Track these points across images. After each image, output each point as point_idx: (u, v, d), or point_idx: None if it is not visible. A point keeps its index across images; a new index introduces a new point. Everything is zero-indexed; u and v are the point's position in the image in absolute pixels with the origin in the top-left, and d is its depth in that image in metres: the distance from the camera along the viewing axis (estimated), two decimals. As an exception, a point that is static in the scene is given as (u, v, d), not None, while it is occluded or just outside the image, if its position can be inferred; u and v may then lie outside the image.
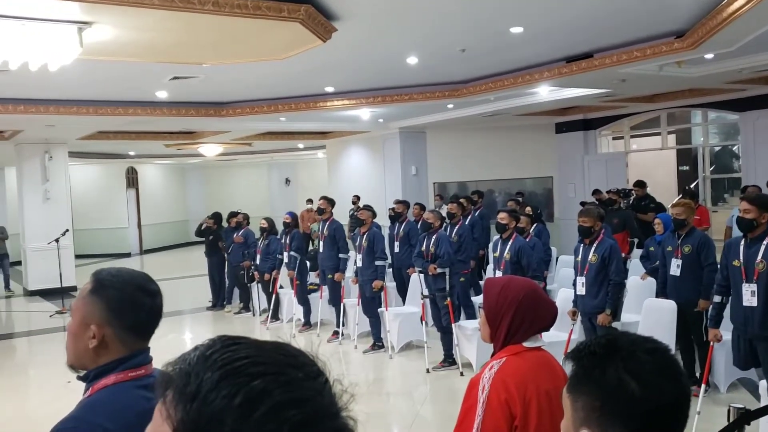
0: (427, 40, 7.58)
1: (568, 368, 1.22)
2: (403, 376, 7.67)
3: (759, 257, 4.55)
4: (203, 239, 11.95)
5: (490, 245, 8.64)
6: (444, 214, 9.01)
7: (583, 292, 6.16)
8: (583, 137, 14.94)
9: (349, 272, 9.38)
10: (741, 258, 4.64)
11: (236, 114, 11.34)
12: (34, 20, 5.41)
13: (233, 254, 11.11)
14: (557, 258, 10.17)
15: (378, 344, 8.43)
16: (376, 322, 8.44)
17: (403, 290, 9.33)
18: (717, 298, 5.04)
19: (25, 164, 14.14)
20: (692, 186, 14.23)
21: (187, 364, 0.76)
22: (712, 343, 5.18)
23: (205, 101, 11.04)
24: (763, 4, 5.66)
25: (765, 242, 4.57)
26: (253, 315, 10.93)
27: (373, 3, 5.95)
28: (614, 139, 15.54)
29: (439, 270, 7.42)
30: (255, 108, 11.21)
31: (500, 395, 2.20)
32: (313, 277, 10.10)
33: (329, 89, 10.48)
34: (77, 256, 15.30)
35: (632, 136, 15.44)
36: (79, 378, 1.67)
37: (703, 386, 5.29)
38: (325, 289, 9.35)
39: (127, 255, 21.69)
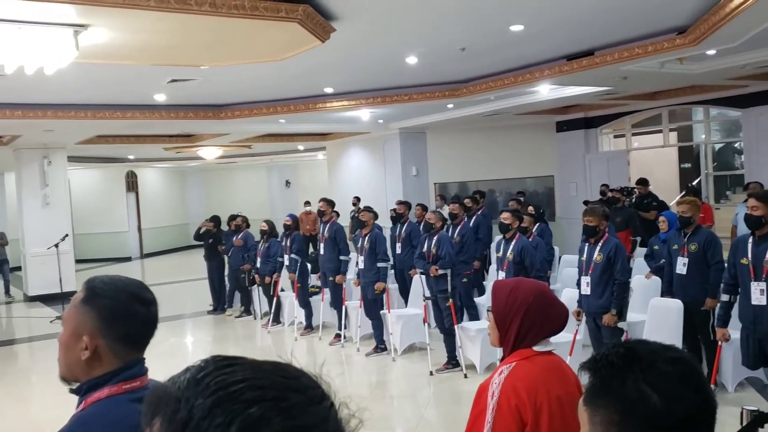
0: (426, 40, 7.52)
1: (583, 378, 1.15)
2: (407, 379, 7.60)
3: (768, 255, 4.48)
4: (203, 243, 11.88)
5: (493, 245, 8.58)
6: (446, 214, 8.93)
7: (588, 292, 6.09)
8: (584, 135, 14.88)
9: (351, 274, 9.32)
10: (749, 256, 4.57)
11: (235, 116, 11.27)
12: (30, 23, 5.35)
13: (233, 257, 11.05)
14: (560, 257, 10.10)
15: (380, 347, 8.35)
16: (378, 325, 8.37)
17: (405, 292, 9.27)
18: (725, 297, 4.96)
19: (23, 169, 14.08)
20: (695, 183, 14.16)
21: (177, 388, 0.68)
22: (720, 342, 5.10)
23: (203, 104, 10.98)
24: (767, -1, 5.59)
25: (774, 240, 4.50)
26: (255, 318, 10.87)
27: (371, 2, 5.88)
28: (615, 137, 15.47)
29: (440, 271, 7.35)
30: (254, 110, 11.14)
31: (510, 401, 2.14)
32: (314, 280, 10.03)
33: (328, 90, 10.41)
34: (77, 261, 15.24)
35: (634, 134, 15.37)
36: (72, 391, 1.60)
37: (711, 386, 5.21)
38: (327, 291, 9.28)
39: (128, 259, 21.65)
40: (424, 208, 10.74)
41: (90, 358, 1.55)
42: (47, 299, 13.47)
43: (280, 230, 10.24)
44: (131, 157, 20.38)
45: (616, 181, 12.85)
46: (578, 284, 6.28)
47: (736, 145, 16.07)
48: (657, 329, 6.09)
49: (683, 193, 12.24)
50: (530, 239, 7.71)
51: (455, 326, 7.35)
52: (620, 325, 5.98)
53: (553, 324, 2.30)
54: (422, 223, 8.77)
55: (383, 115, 13.03)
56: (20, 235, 14.33)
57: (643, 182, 11.50)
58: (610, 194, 11.29)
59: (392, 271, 9.80)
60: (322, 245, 9.12)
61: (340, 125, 14.26)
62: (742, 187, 11.98)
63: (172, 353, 9.00)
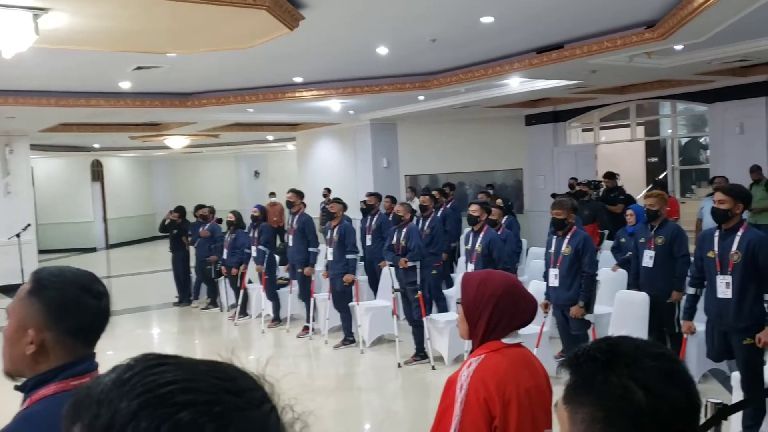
0: (397, 30, 7.46)
1: (561, 376, 1.10)
2: (375, 371, 7.57)
3: (734, 248, 4.51)
4: (168, 234, 11.70)
5: (462, 238, 8.57)
6: (416, 206, 8.90)
7: (556, 284, 6.11)
8: (552, 129, 14.97)
9: (320, 266, 9.25)
10: (716, 249, 4.60)
11: (202, 105, 11.09)
12: (-14, 5, 5.17)
13: (200, 249, 10.89)
14: (527, 250, 10.15)
15: (349, 339, 8.31)
16: (346, 317, 8.31)
17: (375, 284, 9.22)
18: (691, 290, 5.00)
19: (-16, 158, 13.73)
20: (661, 177, 14.35)
21: (100, 390, 0.61)
22: (685, 335, 5.15)
23: (169, 92, 10.78)
24: (734, -6, 5.64)
25: (739, 233, 4.54)
26: (221, 311, 10.74)
27: (342, -10, 5.81)
28: (584, 131, 15.60)
29: (409, 263, 7.32)
30: (221, 99, 10.97)
31: (479, 394, 2.11)
32: (282, 272, 9.94)
33: (298, 79, 10.29)
34: (41, 251, 14.94)
35: (602, 128, 15.51)
36: (17, 387, 1.51)
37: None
38: (295, 283, 9.20)
39: (93, 250, 21.28)
40: (394, 200, 10.69)
41: (36, 353, 1.47)
42: (8, 290, 13.12)
43: (248, 221, 10.11)
44: (96, 145, 19.99)
45: (583, 175, 12.95)
46: (546, 277, 6.31)
47: (701, 140, 16.32)
48: (623, 321, 6.14)
49: (650, 186, 12.37)
50: (499, 232, 7.72)
51: (424, 318, 7.33)
52: (587, 317, 6.02)
53: (522, 316, 2.28)
54: (391, 215, 8.73)
55: (354, 106, 12.94)
56: (-20, 224, 13.98)
57: (610, 176, 11.60)
58: (578, 188, 11.37)
59: (362, 263, 9.74)
60: (290, 237, 9.03)
61: (310, 115, 14.14)
62: (707, 181, 12.17)
63: (137, 346, 8.86)
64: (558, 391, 2.32)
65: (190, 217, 11.58)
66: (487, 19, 7.05)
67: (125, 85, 9.85)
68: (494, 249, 6.75)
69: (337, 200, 8.66)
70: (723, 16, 6.71)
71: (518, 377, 2.18)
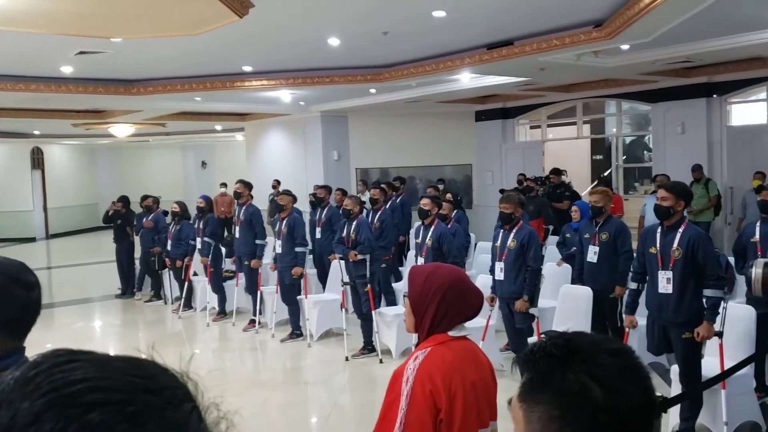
0: (349, 21, 7.40)
1: (506, 369, 1.08)
2: (322, 365, 7.52)
3: (675, 245, 4.62)
4: (112, 225, 11.40)
5: (412, 231, 8.58)
6: (366, 200, 8.88)
7: (502, 278, 6.18)
8: (501, 125, 15.14)
9: (267, 259, 9.14)
10: (658, 245, 4.70)
11: (148, 92, 10.81)
12: None
13: (143, 240, 10.65)
14: (476, 244, 10.23)
15: (296, 332, 8.23)
16: (294, 310, 8.24)
17: (324, 277, 9.17)
18: (633, 285, 5.10)
19: None
20: (605, 174, 14.65)
21: (1, 390, 0.56)
22: (627, 329, 5.26)
23: (114, 78, 10.47)
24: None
25: (681, 230, 4.64)
26: (165, 303, 10.52)
27: (293, -22, 5.72)
28: (531, 128, 15.82)
29: (359, 256, 7.30)
30: (168, 86, 10.71)
31: (425, 387, 2.10)
32: (228, 264, 9.79)
33: (247, 68, 10.13)
34: (-25, 241, 14.37)
35: (549, 125, 15.76)
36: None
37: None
38: (242, 276, 9.07)
39: (32, 240, 20.62)
40: (344, 193, 10.64)
41: (-41, 347, 1.39)
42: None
43: (194, 212, 9.91)
44: (37, 132, 19.33)
45: (531, 171, 13.13)
46: (492, 270, 6.36)
47: (645, 138, 16.73)
48: (567, 315, 6.24)
49: (595, 183, 12.63)
50: (449, 225, 7.76)
51: (372, 311, 7.31)
52: (532, 311, 6.10)
53: (468, 310, 2.27)
54: (342, 208, 8.68)
55: (304, 97, 12.82)
56: None
57: (557, 172, 11.78)
58: (525, 183, 11.52)
59: (311, 256, 9.67)
60: (237, 228, 8.89)
61: (260, 105, 13.95)
62: (650, 179, 12.48)
63: (78, 339, 8.62)
64: (504, 384, 2.33)
65: (136, 207, 11.30)
66: (438, 13, 7.05)
67: (67, 70, 9.52)
68: (444, 243, 6.78)
69: (287, 192, 8.57)
70: (668, 18, 6.87)
71: (464, 370, 2.18)
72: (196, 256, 9.67)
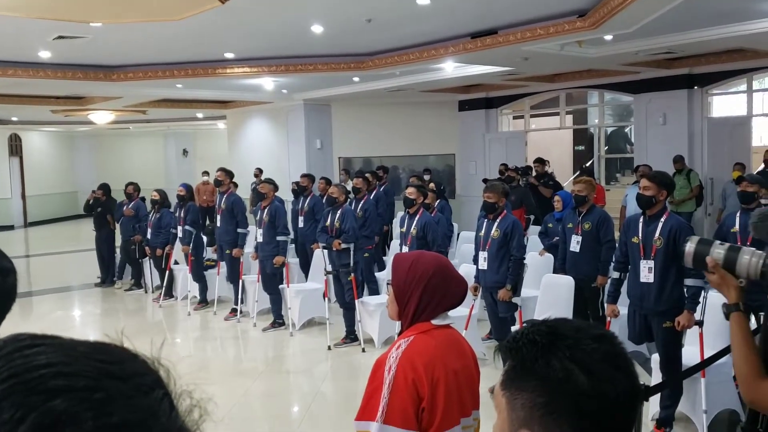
0: (332, 8, 7.34)
1: (488, 358, 1.06)
2: (304, 354, 7.50)
3: (657, 234, 4.64)
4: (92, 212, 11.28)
5: (396, 220, 8.58)
6: (349, 188, 8.84)
7: (485, 267, 6.18)
8: (484, 115, 15.14)
9: (249, 248, 9.08)
10: (640, 235, 4.72)
11: (128, 78, 10.67)
12: None
13: (124, 228, 10.54)
14: (458, 234, 10.25)
15: (278, 322, 8.20)
16: (276, 299, 8.20)
17: (306, 266, 9.13)
18: (615, 275, 5.13)
19: None
20: (588, 165, 14.71)
21: None
22: (609, 318, 5.29)
23: (93, 64, 10.31)
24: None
25: (663, 219, 4.66)
26: (146, 292, 10.42)
27: (276, -37, 5.65)
28: (515, 118, 15.84)
29: (343, 245, 7.26)
30: (149, 72, 10.58)
31: (407, 376, 2.08)
32: (210, 253, 9.71)
33: (229, 55, 10.03)
34: (-49, 229, 14.15)
35: (532, 116, 15.78)
36: None
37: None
38: (223, 265, 9.01)
39: (10, 228, 20.35)
40: (328, 182, 10.59)
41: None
42: None
43: (175, 201, 9.82)
44: (14, 118, 19.04)
45: (513, 161, 13.14)
46: (475, 259, 6.37)
47: (626, 129, 16.81)
48: (549, 305, 6.26)
49: (577, 173, 12.68)
50: (432, 215, 7.75)
51: (355, 301, 7.30)
52: (514, 300, 6.12)
53: (452, 298, 2.25)
54: (325, 197, 8.64)
55: (287, 85, 12.73)
56: None
57: (540, 161, 11.80)
58: (507, 173, 11.52)
59: (293, 245, 9.62)
60: (218, 217, 8.82)
61: (242, 93, 13.83)
62: (632, 170, 12.54)
63: (57, 328, 8.52)
64: (487, 373, 2.32)
65: (118, 195, 11.17)
66: (423, 1, 7.01)
67: (45, 55, 9.37)
68: (429, 232, 6.77)
69: (269, 180, 8.50)
70: (652, 8, 6.88)
71: (446, 359, 2.16)
72: (177, 245, 9.58)
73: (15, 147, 21.14)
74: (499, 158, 13.71)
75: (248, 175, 14.01)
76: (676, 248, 4.59)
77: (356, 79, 11.84)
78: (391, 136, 15.23)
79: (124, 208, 10.55)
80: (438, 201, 9.09)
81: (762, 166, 10.41)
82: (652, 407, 4.96)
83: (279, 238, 8.01)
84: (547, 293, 6.48)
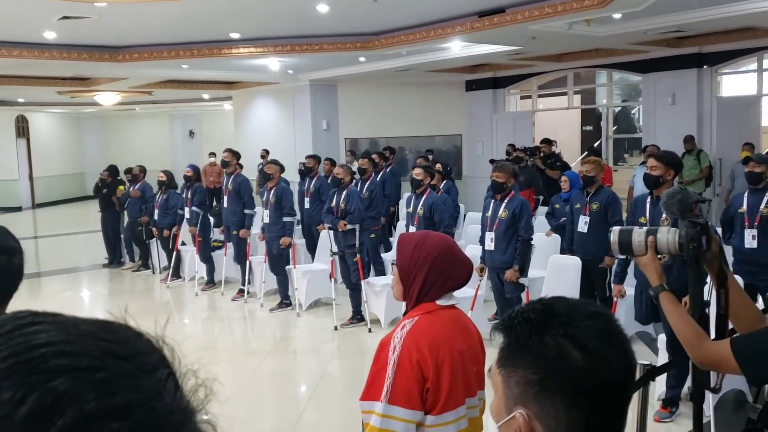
0: (338, -13, 7.27)
1: (494, 339, 1.06)
2: (311, 334, 7.53)
3: (664, 215, 4.61)
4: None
5: (403, 201, 8.56)
6: (355, 169, 8.82)
7: (492, 248, 6.16)
8: (492, 95, 15.03)
9: (256, 228, 9.09)
10: (647, 215, 4.69)
11: (134, 59, 10.63)
12: None
13: (130, 209, 10.56)
14: (465, 215, 10.22)
15: (285, 302, 8.23)
16: (283, 280, 8.22)
17: (313, 247, 9.14)
18: (622, 255, 5.10)
19: None
20: (596, 145, 14.62)
21: None
22: (615, 298, 5.28)
23: (99, 44, 10.28)
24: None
25: (670, 199, 4.63)
26: (153, 273, 10.47)
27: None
28: (522, 98, 15.72)
29: (349, 226, 7.26)
30: (154, 53, 10.53)
31: (412, 357, 2.08)
32: (217, 234, 9.73)
33: (235, 35, 9.97)
34: (-41, 210, 14.23)
35: (539, 96, 15.67)
36: None
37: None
38: (230, 246, 9.03)
39: (18, 209, 20.45)
40: (333, 163, 10.57)
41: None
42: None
43: (182, 182, 9.83)
44: (21, 100, 19.05)
45: (521, 141, 13.07)
46: (482, 240, 6.35)
47: (634, 110, 16.68)
48: (556, 285, 6.25)
49: (585, 153, 12.61)
50: (438, 195, 7.73)
51: (362, 281, 7.31)
52: (521, 280, 6.11)
53: (457, 279, 2.24)
54: (330, 178, 8.63)
55: (293, 65, 12.66)
56: None
57: (547, 142, 11.74)
58: (515, 154, 11.47)
59: (299, 226, 9.63)
60: (225, 198, 8.83)
61: (248, 74, 13.76)
62: (640, 150, 12.47)
63: (65, 308, 8.50)
64: (492, 354, 2.32)
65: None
66: (429, -20, 6.94)
67: (50, 36, 9.34)
68: (436, 212, 6.76)
69: (275, 161, 8.49)
70: (661, -14, 6.79)
71: (451, 339, 2.15)
72: (185, 226, 9.61)
73: (22, 128, 21.18)
74: (506, 139, 13.64)
75: (255, 156, 13.99)
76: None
77: (362, 59, 11.76)
78: (397, 117, 15.15)
79: (131, 189, 10.58)
80: (444, 182, 9.06)
81: (771, 145, 10.33)
82: (658, 387, 4.96)
83: (285, 219, 8.02)
84: (554, 274, 6.47)
